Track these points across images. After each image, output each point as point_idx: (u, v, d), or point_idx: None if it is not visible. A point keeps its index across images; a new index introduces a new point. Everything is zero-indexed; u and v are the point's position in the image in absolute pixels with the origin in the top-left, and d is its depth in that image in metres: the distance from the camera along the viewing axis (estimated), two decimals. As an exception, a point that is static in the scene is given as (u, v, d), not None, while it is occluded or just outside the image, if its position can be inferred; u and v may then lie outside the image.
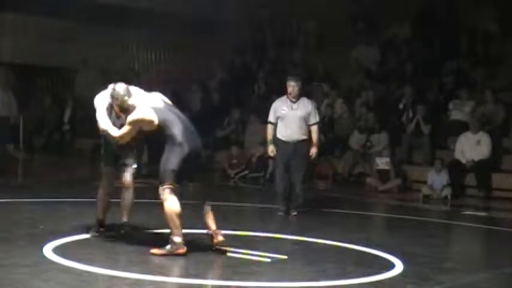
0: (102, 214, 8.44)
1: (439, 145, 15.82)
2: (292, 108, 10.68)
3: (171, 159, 7.47)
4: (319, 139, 10.92)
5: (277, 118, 10.72)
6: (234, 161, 16.88)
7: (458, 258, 8.82)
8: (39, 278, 6.37)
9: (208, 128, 18.64)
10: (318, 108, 17.23)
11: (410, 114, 16.04)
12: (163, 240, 8.17)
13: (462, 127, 15.24)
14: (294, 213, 10.73)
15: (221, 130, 18.57)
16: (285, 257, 7.73)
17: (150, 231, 8.83)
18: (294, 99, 10.73)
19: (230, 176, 16.66)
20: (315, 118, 10.72)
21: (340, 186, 15.52)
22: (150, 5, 20.70)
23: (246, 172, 16.68)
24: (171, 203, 7.47)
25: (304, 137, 10.64)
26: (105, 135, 8.10)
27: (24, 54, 20.46)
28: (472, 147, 14.66)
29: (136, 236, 8.52)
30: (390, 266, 7.49)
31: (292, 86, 10.73)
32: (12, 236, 8.13)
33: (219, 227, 8.75)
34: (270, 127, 10.77)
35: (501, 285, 7.34)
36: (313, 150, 10.66)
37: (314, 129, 10.68)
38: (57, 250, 7.38)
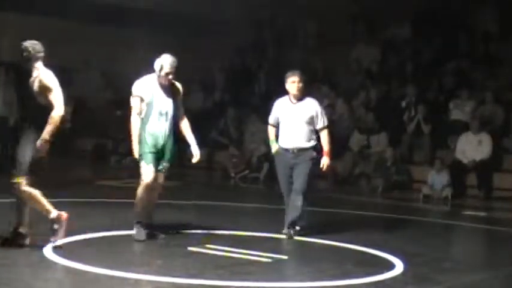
0: (145, 215, 8.24)
1: (439, 145, 15.81)
2: (293, 111, 9.08)
3: (28, 150, 7.40)
4: (330, 146, 9.18)
5: (278, 121, 9.22)
6: (234, 160, 16.88)
7: (458, 258, 8.82)
8: (39, 278, 6.37)
9: (209, 128, 18.67)
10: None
11: (412, 113, 16.03)
12: (163, 239, 8.18)
13: (462, 127, 15.25)
14: (292, 230, 8.90)
15: (216, 132, 18.50)
16: (285, 257, 7.73)
17: (150, 231, 8.81)
18: (294, 100, 9.12)
19: (230, 175, 16.66)
20: (322, 122, 9.08)
21: (340, 186, 15.51)
22: (150, 5, 20.70)
23: (247, 172, 16.68)
24: (31, 191, 7.44)
25: (308, 145, 9.01)
26: (142, 133, 8.10)
27: (24, 54, 20.42)
28: (473, 147, 14.65)
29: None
30: (390, 266, 7.49)
31: (291, 83, 9.10)
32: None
33: (220, 226, 8.76)
34: (270, 128, 9.28)
35: (501, 285, 7.34)
36: (324, 161, 9.10)
37: (323, 135, 9.09)
38: (57, 250, 7.38)
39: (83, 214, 9.81)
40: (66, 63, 21.23)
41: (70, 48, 20.55)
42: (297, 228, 8.94)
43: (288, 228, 8.88)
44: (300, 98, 9.09)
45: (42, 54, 7.76)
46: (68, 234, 8.20)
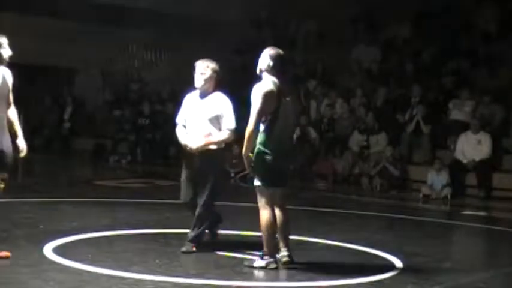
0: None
1: (439, 145, 15.81)
2: (198, 107, 7.70)
3: None
4: (218, 141, 7.70)
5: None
6: (235, 161, 16.86)
7: (458, 258, 8.82)
8: (39, 278, 6.37)
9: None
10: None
11: (414, 113, 16.02)
12: (163, 239, 8.19)
13: (462, 127, 15.25)
14: (184, 248, 7.56)
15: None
16: (285, 257, 7.71)
17: (150, 230, 8.83)
18: (201, 95, 7.77)
19: (231, 175, 16.64)
20: (230, 123, 7.71)
21: (340, 186, 15.51)
22: (150, 5, 20.72)
23: (247, 172, 16.64)
24: None
25: (214, 147, 7.70)
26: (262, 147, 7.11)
27: (24, 54, 20.44)
28: (472, 147, 14.66)
29: (137, 236, 8.53)
30: (390, 266, 7.49)
31: (197, 73, 7.82)
32: (12, 236, 8.12)
33: (220, 226, 8.73)
34: (179, 128, 7.85)
35: (501, 285, 7.34)
36: (197, 142, 7.59)
37: (222, 134, 7.72)
38: (57, 250, 7.39)
39: (82, 214, 9.83)
40: (66, 63, 21.31)
41: (70, 48, 20.58)
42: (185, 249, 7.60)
43: (189, 242, 7.64)
44: (207, 92, 7.78)
45: None
46: (68, 234, 8.23)
